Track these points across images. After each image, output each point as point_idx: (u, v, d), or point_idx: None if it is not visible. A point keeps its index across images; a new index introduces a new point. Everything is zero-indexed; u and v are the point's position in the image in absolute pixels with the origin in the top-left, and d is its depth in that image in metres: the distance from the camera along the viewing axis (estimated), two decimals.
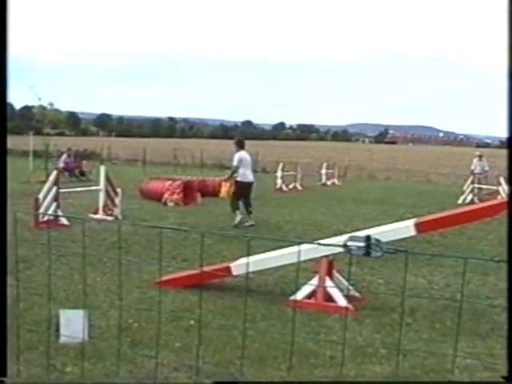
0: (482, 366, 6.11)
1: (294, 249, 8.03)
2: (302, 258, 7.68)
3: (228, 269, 8.47)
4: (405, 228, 8.02)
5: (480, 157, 30.05)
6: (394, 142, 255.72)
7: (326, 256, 8.02)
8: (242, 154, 16.12)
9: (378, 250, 3.11)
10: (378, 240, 3.06)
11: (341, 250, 7.23)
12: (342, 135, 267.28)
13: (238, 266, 8.40)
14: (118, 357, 5.48)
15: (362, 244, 3.10)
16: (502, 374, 5.83)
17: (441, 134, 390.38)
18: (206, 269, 8.73)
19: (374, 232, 8.13)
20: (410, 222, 8.07)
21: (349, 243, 3.09)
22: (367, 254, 3.11)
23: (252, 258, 8.39)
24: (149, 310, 7.43)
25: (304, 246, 7.80)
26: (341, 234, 8.96)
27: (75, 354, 5.68)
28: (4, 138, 3.27)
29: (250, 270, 8.27)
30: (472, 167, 29.55)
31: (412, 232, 7.92)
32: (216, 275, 8.54)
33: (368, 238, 3.10)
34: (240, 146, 16.27)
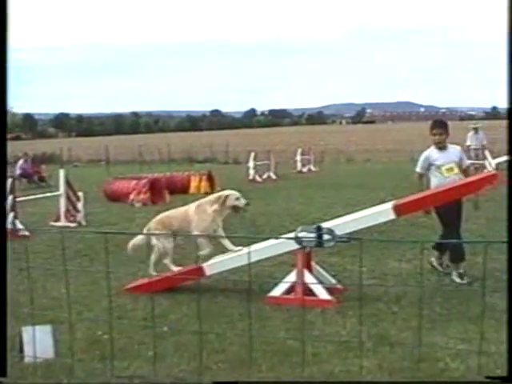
0: (475, 352, 6.15)
1: (268, 243, 8.06)
2: (277, 252, 7.73)
3: (201, 269, 8.48)
4: (383, 212, 8.07)
5: (476, 130, 28.58)
6: (372, 122, 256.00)
7: (303, 248, 8.04)
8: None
9: (330, 240, 3.15)
10: (330, 229, 3.09)
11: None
12: (317, 118, 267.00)
13: (211, 266, 8.41)
14: (88, 372, 5.48)
15: (313, 235, 3.14)
16: (494, 359, 5.93)
17: (422, 109, 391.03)
18: (177, 271, 8.73)
19: (352, 218, 8.20)
20: (389, 205, 8.10)
21: (300, 235, 3.13)
22: (319, 244, 3.15)
23: (225, 257, 8.42)
24: (119, 319, 7.43)
25: (274, 241, 7.85)
26: (319, 222, 8.97)
27: (42, 372, 5.65)
28: (4, 138, 3.27)
29: (224, 268, 8.30)
30: (468, 142, 28.13)
31: (391, 215, 7.96)
32: (189, 277, 8.54)
33: (319, 228, 3.15)
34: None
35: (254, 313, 7.62)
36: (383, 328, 6.96)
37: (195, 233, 8.88)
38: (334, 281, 8.44)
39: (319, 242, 3.72)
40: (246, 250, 8.53)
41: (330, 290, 8.04)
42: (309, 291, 7.96)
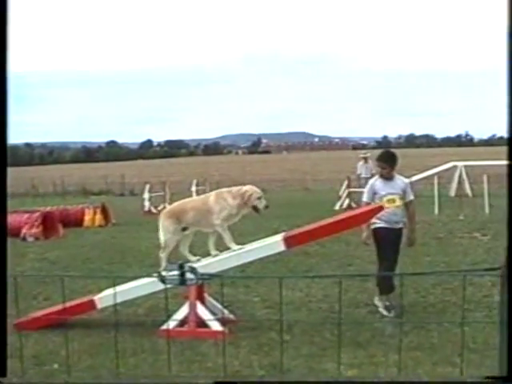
0: (363, 376, 6.30)
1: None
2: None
3: (92, 302, 8.36)
4: (274, 244, 8.14)
5: (365, 159, 29.26)
6: (267, 152, 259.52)
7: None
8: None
9: (192, 279, 3.23)
10: (192, 268, 3.16)
11: (210, 271, 7.40)
12: (213, 148, 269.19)
13: (103, 299, 8.31)
14: None
15: (176, 272, 3.20)
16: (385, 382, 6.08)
17: (316, 139, 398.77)
18: (68, 305, 8.57)
19: (243, 250, 8.25)
20: (279, 237, 8.18)
21: (164, 273, 3.18)
22: (182, 282, 3.21)
23: (117, 289, 8.32)
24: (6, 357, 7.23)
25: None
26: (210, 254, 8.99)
27: None
28: (4, 139, 3.21)
29: (117, 301, 8.20)
30: (358, 171, 29.13)
31: (282, 247, 8.03)
32: (80, 311, 8.40)
33: (181, 266, 3.21)
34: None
35: (147, 347, 7.58)
36: (275, 357, 7.01)
37: (216, 223, 8.71)
38: (226, 312, 8.47)
39: (183, 279, 3.73)
40: (141, 281, 8.47)
41: (223, 321, 8.05)
42: (202, 323, 7.97)
